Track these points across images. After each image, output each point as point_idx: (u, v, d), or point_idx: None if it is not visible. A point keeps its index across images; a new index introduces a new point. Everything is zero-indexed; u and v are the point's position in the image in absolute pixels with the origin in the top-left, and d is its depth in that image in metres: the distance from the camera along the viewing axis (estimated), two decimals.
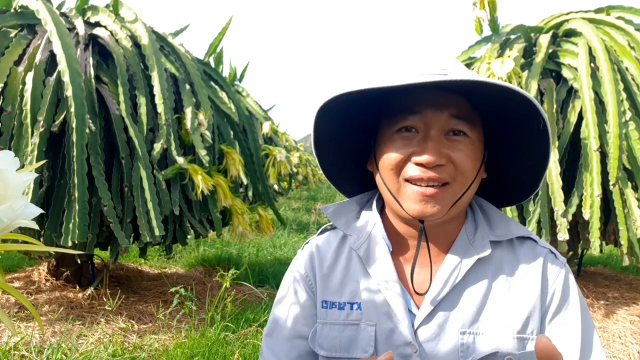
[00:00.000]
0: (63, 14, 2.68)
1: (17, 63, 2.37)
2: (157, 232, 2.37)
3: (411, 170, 0.75)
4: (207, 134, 2.75)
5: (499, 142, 0.83)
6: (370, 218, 0.88)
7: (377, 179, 0.83)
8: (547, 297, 0.78)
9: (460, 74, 0.76)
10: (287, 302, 0.89)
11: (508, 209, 2.74)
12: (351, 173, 0.93)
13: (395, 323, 0.79)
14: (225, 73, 4.73)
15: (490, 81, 0.69)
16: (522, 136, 0.80)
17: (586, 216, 2.46)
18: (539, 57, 2.75)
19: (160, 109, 2.52)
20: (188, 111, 2.69)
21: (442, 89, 0.76)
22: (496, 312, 0.77)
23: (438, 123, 0.75)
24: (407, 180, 0.76)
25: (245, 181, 4.22)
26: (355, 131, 0.87)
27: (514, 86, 0.69)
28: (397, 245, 0.85)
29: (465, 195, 0.77)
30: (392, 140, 0.78)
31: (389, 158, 0.78)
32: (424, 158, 0.73)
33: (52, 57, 2.38)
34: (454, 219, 0.82)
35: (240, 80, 5.48)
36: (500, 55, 2.79)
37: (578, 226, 2.77)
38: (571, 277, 0.80)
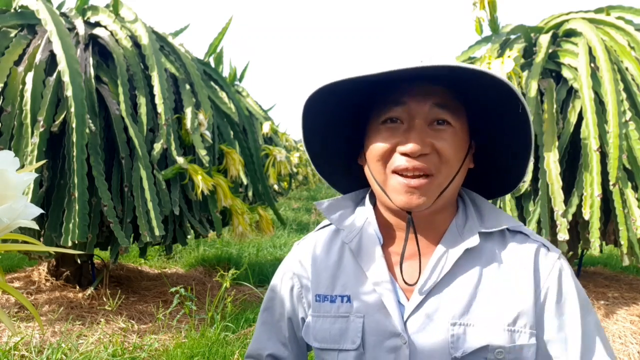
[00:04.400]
0: (63, 14, 2.68)
1: (17, 63, 2.37)
2: (157, 232, 2.38)
3: (397, 160, 0.77)
4: (207, 134, 2.75)
5: (485, 134, 0.85)
6: (363, 212, 0.89)
7: (366, 170, 0.85)
8: (541, 293, 0.78)
9: (435, 62, 0.77)
10: (273, 294, 0.96)
11: (508, 208, 2.74)
12: (344, 170, 0.94)
13: (385, 314, 0.80)
14: (225, 73, 4.73)
15: (461, 65, 0.70)
16: (505, 124, 0.81)
17: (586, 216, 2.46)
18: (539, 57, 2.75)
19: (160, 109, 2.52)
20: (188, 111, 2.69)
21: (424, 80, 0.77)
22: (487, 304, 0.77)
23: (421, 112, 0.77)
24: (393, 171, 0.78)
25: (245, 181, 4.23)
26: (345, 127, 0.89)
27: (486, 69, 0.70)
28: (388, 238, 0.86)
29: (451, 185, 0.79)
30: (379, 131, 0.80)
31: (375, 149, 0.80)
32: (409, 147, 0.75)
33: (52, 57, 2.38)
34: (444, 210, 0.83)
35: (240, 80, 5.48)
36: (500, 55, 2.79)
37: (578, 226, 2.77)
38: (566, 271, 0.80)
